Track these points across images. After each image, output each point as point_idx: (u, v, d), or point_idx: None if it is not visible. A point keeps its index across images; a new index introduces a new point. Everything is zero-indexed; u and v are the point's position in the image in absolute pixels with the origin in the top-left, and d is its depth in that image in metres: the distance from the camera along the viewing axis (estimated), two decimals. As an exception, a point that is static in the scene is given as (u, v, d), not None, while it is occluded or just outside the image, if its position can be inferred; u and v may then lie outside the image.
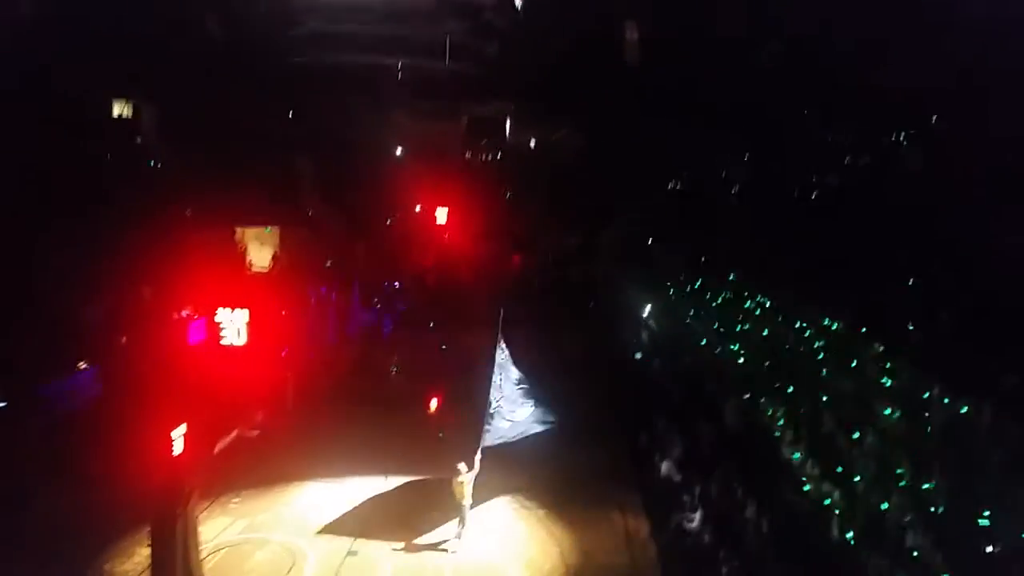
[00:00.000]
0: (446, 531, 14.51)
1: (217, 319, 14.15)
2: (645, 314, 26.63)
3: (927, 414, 15.80)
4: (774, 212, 33.77)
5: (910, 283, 21.94)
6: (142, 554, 13.16)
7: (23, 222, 23.51)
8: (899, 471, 13.70)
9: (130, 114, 36.61)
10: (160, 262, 23.50)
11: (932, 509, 12.65)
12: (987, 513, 12.18)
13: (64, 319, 20.95)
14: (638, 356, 23.36)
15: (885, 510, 13.12)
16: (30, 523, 13.74)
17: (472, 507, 14.47)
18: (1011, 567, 11.38)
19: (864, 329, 19.74)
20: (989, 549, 11.95)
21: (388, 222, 36.37)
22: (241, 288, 22.98)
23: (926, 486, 13.16)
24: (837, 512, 13.50)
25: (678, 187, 37.13)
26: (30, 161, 25.89)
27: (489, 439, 15.08)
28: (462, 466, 14.47)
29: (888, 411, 16.37)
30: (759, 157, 37.66)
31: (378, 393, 21.32)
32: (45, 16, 28.30)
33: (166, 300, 22.21)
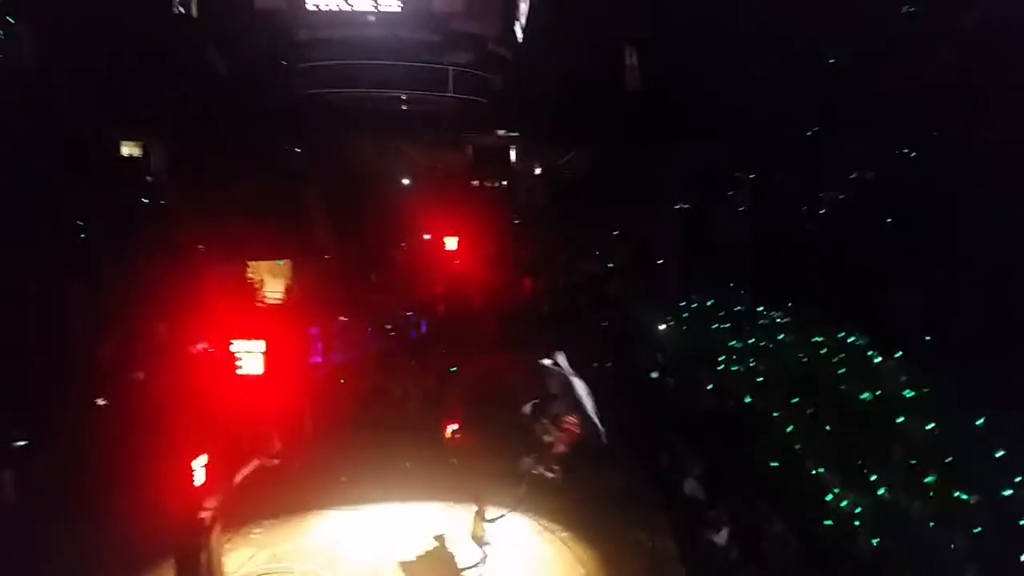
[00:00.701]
0: (468, 557, 14.39)
1: (233, 349, 14.21)
2: (659, 334, 26.59)
3: (949, 423, 15.74)
4: (784, 227, 33.89)
5: (922, 292, 21.98)
6: (168, 588, 13.10)
7: (38, 263, 23.78)
8: (927, 480, 13.60)
9: (139, 154, 37.11)
10: (175, 298, 23.65)
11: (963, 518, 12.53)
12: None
13: (81, 357, 21.08)
14: (654, 375, 23.28)
15: (912, 519, 13.01)
16: (51, 561, 13.67)
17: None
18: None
19: (881, 341, 19.73)
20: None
21: (397, 251, 36.48)
22: (256, 319, 23.18)
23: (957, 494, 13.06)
24: (863, 523, 13.37)
25: (686, 207, 37.28)
26: (40, 204, 26.23)
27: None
28: (483, 504, 14.39)
29: (909, 421, 16.32)
30: (766, 173, 37.88)
31: (394, 420, 21.26)
32: (48, 60, 28.79)
33: (182, 334, 22.30)
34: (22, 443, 16.99)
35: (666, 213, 35.97)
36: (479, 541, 14.18)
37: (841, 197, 36.85)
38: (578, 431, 14.41)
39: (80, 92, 28.75)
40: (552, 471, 14.65)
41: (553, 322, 29.32)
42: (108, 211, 28.97)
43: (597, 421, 14.61)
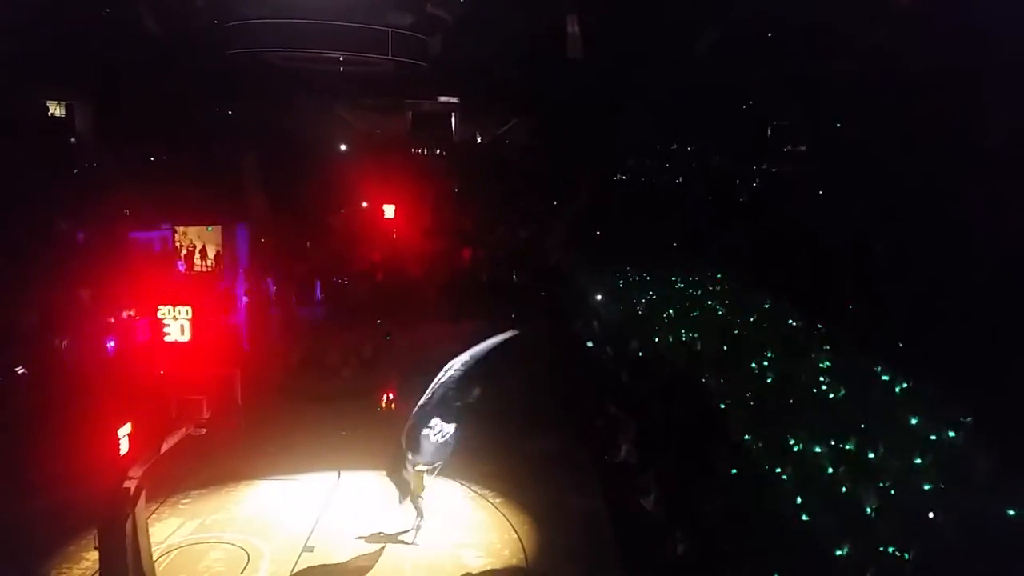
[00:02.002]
0: (403, 523, 14.42)
1: (160, 316, 13.85)
2: (596, 303, 26.87)
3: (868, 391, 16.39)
4: (719, 198, 34.54)
5: (854, 262, 22.73)
6: (90, 558, 12.79)
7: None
8: (847, 446, 14.14)
9: (64, 113, 35.61)
10: (99, 263, 22.93)
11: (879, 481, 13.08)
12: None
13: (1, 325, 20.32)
14: (589, 344, 23.53)
15: (833, 481, 13.53)
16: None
17: (427, 499, 14.41)
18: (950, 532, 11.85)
19: (806, 312, 20.37)
20: (931, 515, 12.43)
21: (334, 218, 35.91)
22: (184, 286, 22.65)
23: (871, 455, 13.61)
24: (788, 485, 13.84)
25: (623, 177, 37.63)
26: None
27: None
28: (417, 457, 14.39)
29: (829, 388, 16.93)
30: (703, 143, 38.47)
31: (328, 389, 21.09)
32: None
33: (106, 301, 21.65)
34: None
35: (605, 183, 36.25)
36: (416, 499, 14.16)
37: (774, 170, 37.85)
38: None
39: (4, 48, 27.42)
40: None
41: (491, 291, 29.32)
42: (30, 172, 27.85)
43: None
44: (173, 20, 30.53)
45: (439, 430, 14.10)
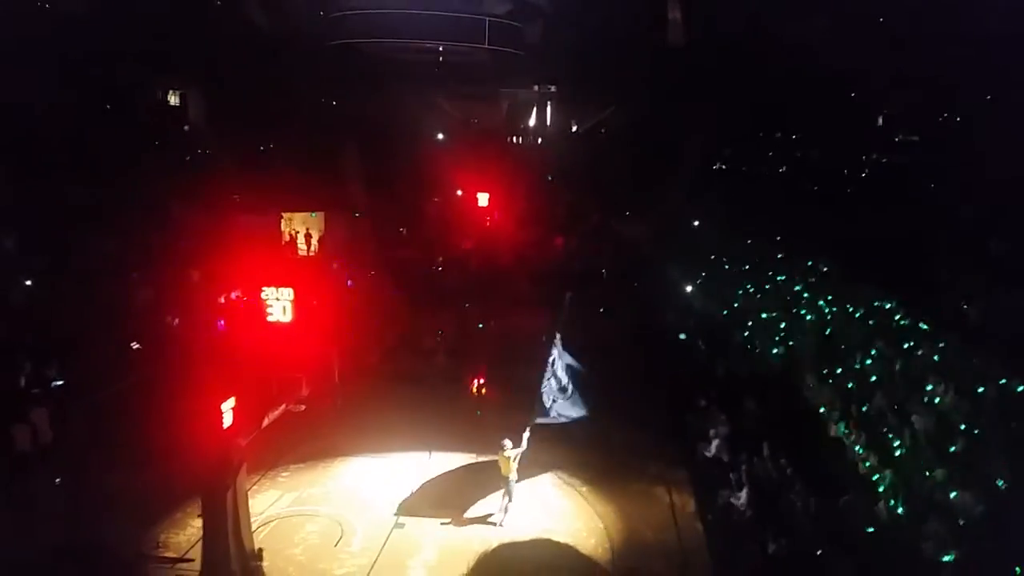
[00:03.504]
0: (491, 505, 14.59)
1: (263, 296, 14.43)
2: (690, 295, 26.39)
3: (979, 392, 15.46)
4: (822, 191, 33.22)
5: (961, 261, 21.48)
6: (195, 526, 13.50)
7: (75, 210, 24.26)
8: (951, 449, 13.41)
9: (178, 102, 37.45)
10: (208, 246, 24.02)
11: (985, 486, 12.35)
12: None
13: (116, 302, 21.54)
14: (682, 336, 23.14)
15: (934, 487, 12.86)
16: (85, 494, 14.15)
17: (516, 483, 14.51)
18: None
19: (915, 308, 19.36)
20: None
21: (430, 206, 36.50)
22: (287, 269, 23.46)
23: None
24: (885, 489, 13.26)
25: (723, 167, 36.66)
26: (82, 150, 26.69)
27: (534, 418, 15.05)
28: (507, 442, 14.52)
29: (938, 389, 16.04)
30: (807, 135, 37.02)
31: (421, 371, 21.48)
32: (95, 10, 29.02)
33: (215, 282, 22.68)
34: (58, 383, 17.50)
35: (703, 172, 35.44)
36: (506, 480, 14.31)
37: (884, 160, 36.12)
38: None
39: (123, 41, 29.04)
40: None
41: (584, 281, 29.17)
42: (146, 158, 29.44)
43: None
44: (280, 13, 31.64)
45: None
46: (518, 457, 14.46)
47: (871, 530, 12.34)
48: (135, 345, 19.79)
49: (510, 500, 14.39)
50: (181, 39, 30.72)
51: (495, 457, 14.67)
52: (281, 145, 33.88)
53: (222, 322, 21.84)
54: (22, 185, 23.62)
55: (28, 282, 21.24)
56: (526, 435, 14.52)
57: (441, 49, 31.51)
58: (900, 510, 12.59)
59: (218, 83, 33.67)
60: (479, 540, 13.78)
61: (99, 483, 14.50)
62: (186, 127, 36.24)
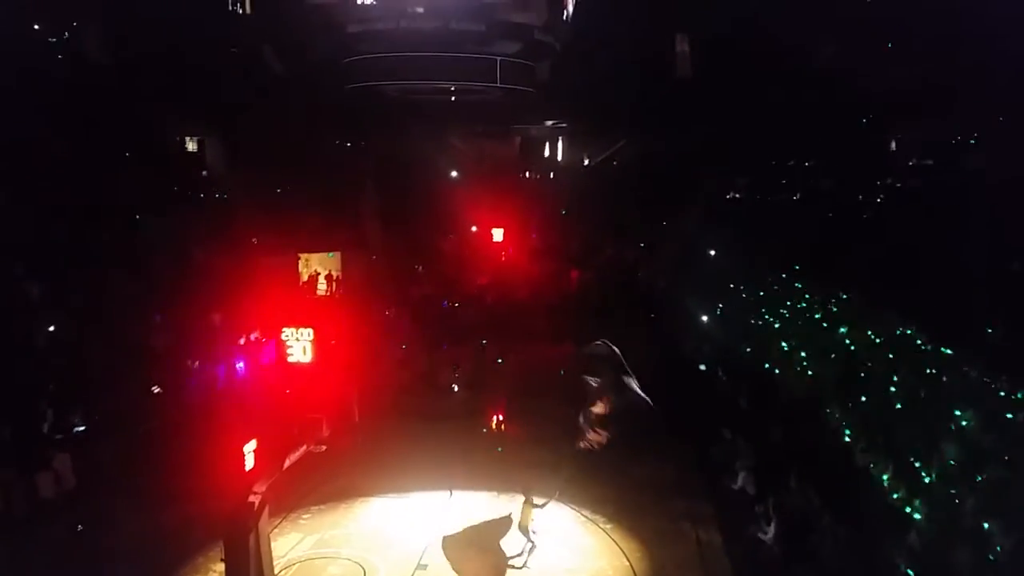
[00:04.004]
0: (515, 544, 14.43)
1: (283, 337, 14.48)
2: (708, 326, 26.23)
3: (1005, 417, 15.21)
4: (837, 217, 33.11)
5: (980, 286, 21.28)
6: (216, 570, 13.42)
7: (96, 255, 24.57)
8: (980, 477, 13.16)
9: (196, 148, 38.06)
10: (228, 288, 24.21)
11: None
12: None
13: (137, 346, 21.68)
14: (702, 367, 22.98)
15: (965, 517, 12.60)
16: (107, 540, 14.14)
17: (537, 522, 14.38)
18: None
19: (934, 333, 19.15)
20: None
21: (445, 242, 36.71)
22: (306, 309, 23.57)
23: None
24: (917, 518, 13.00)
25: (736, 196, 36.67)
26: (102, 195, 27.13)
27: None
28: (531, 494, 14.44)
29: (964, 416, 15.78)
30: (819, 162, 37.04)
31: (439, 408, 21.44)
32: (111, 56, 29.70)
33: (234, 324, 22.82)
34: (80, 429, 17.57)
35: (716, 202, 35.48)
36: (526, 530, 14.21)
37: (898, 185, 36.03)
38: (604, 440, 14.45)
39: (140, 89, 29.64)
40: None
41: (600, 314, 29.09)
42: (165, 203, 29.86)
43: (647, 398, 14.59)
44: (294, 58, 32.22)
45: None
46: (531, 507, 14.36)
47: (900, 562, 12.07)
48: (156, 389, 19.86)
49: (533, 542, 14.24)
50: (198, 84, 31.31)
51: (517, 495, 14.57)
52: (297, 187, 34.28)
53: (241, 364, 21.96)
54: (43, 230, 23.98)
55: (50, 327, 21.44)
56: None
57: (454, 89, 31.88)
58: (931, 539, 12.31)
59: (235, 128, 34.22)
60: (503, 580, 13.63)
61: (122, 529, 14.49)
62: (204, 172, 36.78)
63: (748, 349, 23.04)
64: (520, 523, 14.33)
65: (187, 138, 37.90)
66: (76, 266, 23.68)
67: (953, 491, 13.19)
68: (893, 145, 37.17)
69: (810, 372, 20.33)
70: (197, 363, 21.56)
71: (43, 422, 17.45)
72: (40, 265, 23.29)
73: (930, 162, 35.52)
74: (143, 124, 31.26)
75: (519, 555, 14.21)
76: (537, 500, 14.42)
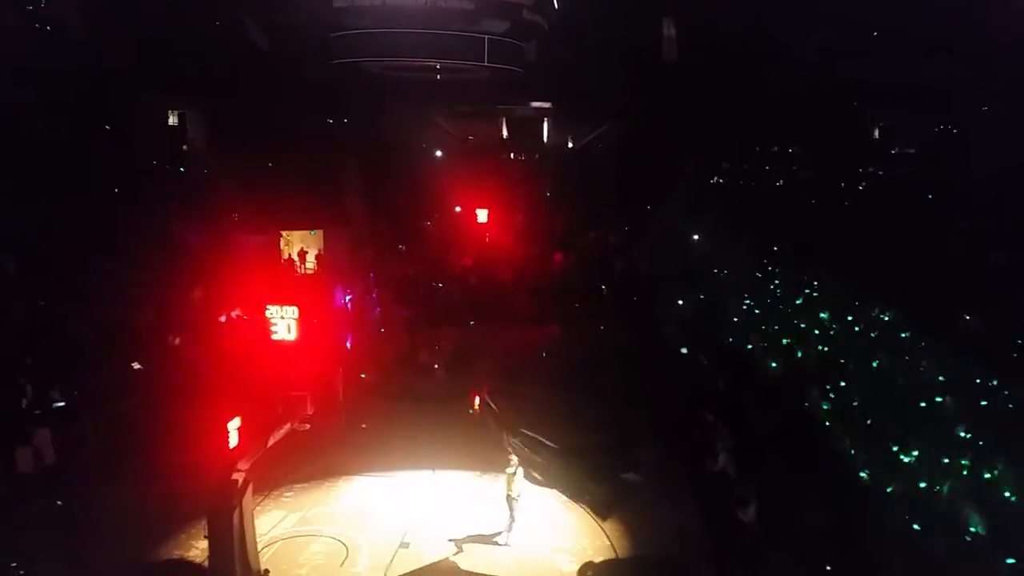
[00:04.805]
0: (496, 524, 14.52)
1: (268, 315, 14.43)
2: (690, 310, 26.38)
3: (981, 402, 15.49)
4: (819, 203, 33.34)
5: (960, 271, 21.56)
6: (200, 546, 13.44)
7: (75, 230, 24.23)
8: (963, 461, 13.41)
9: (177, 122, 37.49)
10: (210, 265, 24.00)
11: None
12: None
13: (118, 322, 21.47)
14: (683, 351, 23.12)
15: (943, 496, 12.86)
16: (87, 516, 14.08)
17: (520, 500, 14.46)
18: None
19: (916, 320, 19.42)
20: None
21: (429, 223, 36.56)
22: (289, 287, 23.46)
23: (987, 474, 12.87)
24: (894, 500, 13.24)
25: (720, 180, 36.78)
26: (81, 170, 26.72)
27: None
28: (513, 459, 14.54)
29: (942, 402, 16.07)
30: (804, 148, 37.18)
31: (423, 388, 21.45)
32: (94, 30, 29.12)
33: (217, 301, 22.64)
34: (60, 404, 17.42)
35: (700, 187, 35.56)
36: (510, 500, 14.27)
37: (881, 173, 36.30)
38: None
39: (121, 61, 29.11)
40: None
41: (582, 296, 29.21)
42: (145, 178, 29.47)
43: None
44: (278, 33, 31.73)
45: None
46: (522, 475, 14.45)
47: (879, 545, 12.29)
48: (136, 365, 19.70)
49: (514, 519, 14.33)
50: (180, 58, 30.80)
51: (499, 474, 14.65)
52: (280, 163, 33.93)
53: (222, 341, 21.82)
54: (21, 205, 23.60)
55: (29, 303, 21.18)
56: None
57: (439, 67, 31.54)
58: (908, 524, 12.55)
59: (217, 102, 33.75)
60: (485, 558, 13.72)
61: (102, 504, 14.44)
62: (184, 147, 36.25)
63: (729, 333, 23.22)
64: (507, 493, 14.39)
65: (168, 112, 37.33)
66: (54, 242, 23.35)
67: (929, 476, 13.44)
68: (876, 133, 37.38)
69: (790, 356, 20.56)
70: (178, 340, 21.38)
71: (22, 397, 17.27)
72: (17, 240, 22.96)
73: (912, 151, 35.80)
74: (124, 98, 30.73)
75: (501, 532, 14.31)
76: (515, 461, 14.47)
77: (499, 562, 13.64)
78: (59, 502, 14.61)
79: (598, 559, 13.80)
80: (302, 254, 31.72)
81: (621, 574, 13.47)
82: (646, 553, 14.02)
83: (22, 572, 12.04)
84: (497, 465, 15.25)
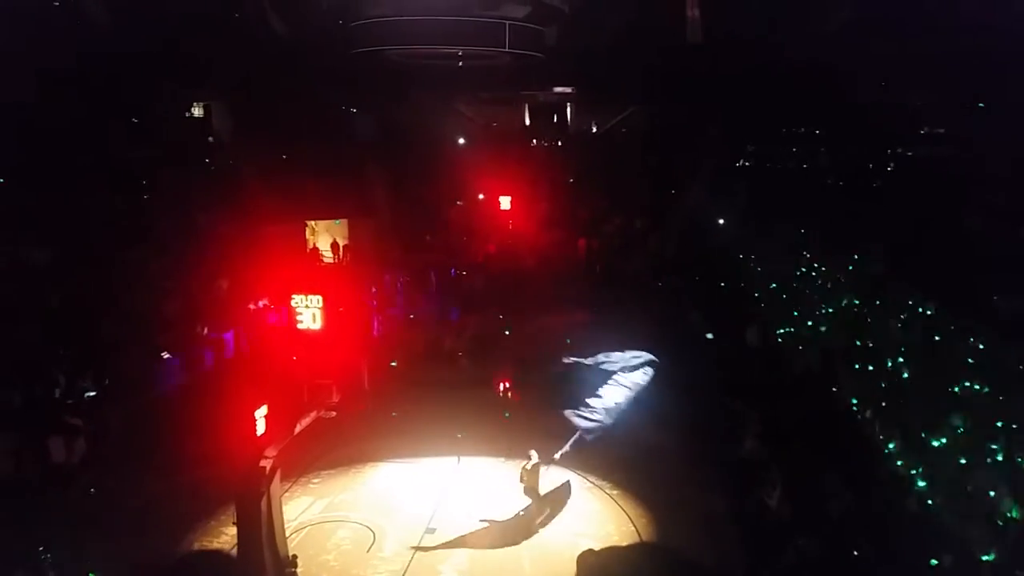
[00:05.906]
0: (521, 509, 14.56)
1: (293, 304, 14.50)
2: (717, 294, 26.21)
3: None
4: (847, 185, 32.88)
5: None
6: (229, 533, 13.62)
7: (104, 222, 24.59)
8: (993, 446, 13.21)
9: (202, 114, 37.82)
10: (236, 255, 24.24)
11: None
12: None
13: (146, 312, 21.77)
14: (709, 336, 22.98)
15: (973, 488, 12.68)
16: (118, 503, 14.32)
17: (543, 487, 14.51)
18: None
19: (947, 303, 19.12)
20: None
21: (452, 211, 36.57)
22: (315, 276, 23.60)
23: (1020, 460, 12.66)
24: (923, 486, 13.08)
25: (746, 164, 36.36)
26: (107, 162, 27.07)
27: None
28: (533, 453, 14.56)
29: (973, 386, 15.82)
30: (832, 130, 36.60)
31: (448, 376, 21.52)
32: (118, 23, 29.33)
33: (243, 291, 22.89)
34: (91, 394, 17.72)
35: (726, 170, 35.22)
36: (533, 492, 14.33)
37: (910, 154, 35.64)
38: None
39: (144, 54, 29.33)
40: None
41: (607, 283, 29.09)
42: (172, 170, 29.77)
43: None
44: (299, 23, 31.78)
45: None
46: (539, 471, 14.47)
47: (908, 531, 12.16)
48: (165, 355, 19.98)
49: (544, 509, 14.37)
50: (203, 50, 30.98)
51: (523, 461, 14.70)
52: (304, 153, 34.11)
53: (248, 331, 22.04)
54: (51, 197, 23.97)
55: (61, 294, 21.53)
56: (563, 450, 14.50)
57: (461, 54, 31.43)
58: (937, 510, 12.39)
59: (241, 93, 33.95)
60: (510, 543, 13.77)
61: (134, 492, 14.68)
62: (210, 138, 36.57)
63: (756, 318, 23.04)
64: (527, 485, 14.45)
65: (193, 104, 37.66)
66: (84, 233, 23.69)
67: (960, 461, 13.26)
68: (905, 113, 36.65)
69: (818, 340, 20.36)
70: (206, 329, 21.65)
71: (54, 387, 17.59)
72: (47, 232, 23.31)
73: (942, 131, 35.09)
74: (149, 90, 31.01)
75: (520, 514, 14.34)
76: (541, 464, 14.48)
77: (524, 547, 13.70)
78: (91, 490, 14.89)
79: (623, 544, 13.80)
80: (335, 245, 31.95)
81: (647, 559, 13.44)
82: (672, 538, 13.99)
83: (49, 557, 12.24)
84: (521, 450, 15.26)
